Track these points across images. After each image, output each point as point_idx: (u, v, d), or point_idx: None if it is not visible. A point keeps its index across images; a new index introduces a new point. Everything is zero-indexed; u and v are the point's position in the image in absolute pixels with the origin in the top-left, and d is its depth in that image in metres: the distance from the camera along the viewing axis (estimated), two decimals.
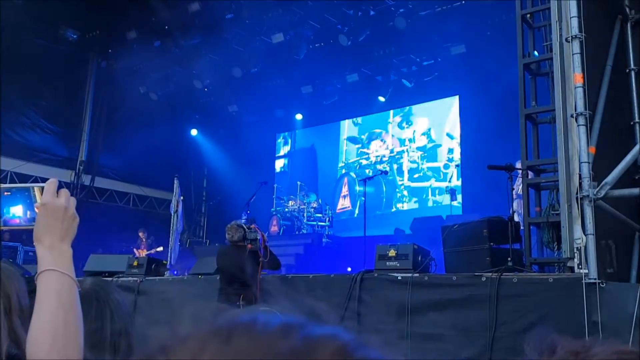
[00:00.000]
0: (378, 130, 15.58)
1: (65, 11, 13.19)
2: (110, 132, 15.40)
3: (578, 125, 4.96)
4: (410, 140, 14.74)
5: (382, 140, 15.40)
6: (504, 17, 10.86)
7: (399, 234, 12.09)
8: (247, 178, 14.76)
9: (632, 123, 6.34)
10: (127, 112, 15.14)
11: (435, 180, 14.03)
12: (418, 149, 14.58)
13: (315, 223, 13.35)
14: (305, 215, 13.37)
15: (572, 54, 5.03)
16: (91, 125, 15.51)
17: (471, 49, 12.49)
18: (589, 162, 4.89)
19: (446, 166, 13.93)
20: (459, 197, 12.97)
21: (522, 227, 6.30)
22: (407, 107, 15.02)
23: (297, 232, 13.21)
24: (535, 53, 6.71)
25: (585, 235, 4.76)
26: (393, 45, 13.38)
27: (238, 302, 6.01)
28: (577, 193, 4.88)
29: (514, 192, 6.83)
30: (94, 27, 14.43)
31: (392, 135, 15.24)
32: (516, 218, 6.65)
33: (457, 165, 13.14)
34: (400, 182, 14.64)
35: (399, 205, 14.60)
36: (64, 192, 1.38)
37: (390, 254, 6.36)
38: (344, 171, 15.82)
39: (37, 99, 14.27)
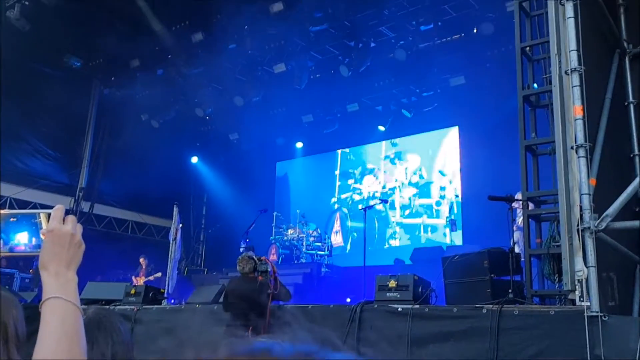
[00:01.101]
0: (371, 166, 15.75)
1: (69, 39, 13.35)
2: (111, 159, 15.46)
3: (578, 157, 4.96)
4: (403, 177, 14.98)
5: (374, 176, 15.58)
6: (503, 50, 11.01)
7: (398, 265, 12.03)
8: (247, 206, 14.76)
9: (632, 155, 6.36)
10: (128, 139, 15.21)
11: (428, 217, 14.15)
12: (410, 184, 14.73)
13: (314, 252, 13.27)
14: (304, 244, 13.31)
15: (572, 87, 5.06)
16: (92, 152, 15.57)
17: (470, 81, 12.62)
18: (589, 194, 4.88)
19: (438, 203, 14.08)
20: (456, 219, 13.00)
21: (522, 259, 6.27)
22: (399, 144, 15.28)
23: (295, 261, 13.11)
24: (535, 85, 6.76)
25: (587, 267, 4.72)
26: (393, 76, 13.53)
27: (247, 333, 6.01)
28: (578, 225, 4.86)
29: (514, 223, 6.82)
30: (98, 54, 14.58)
31: (385, 172, 15.41)
32: (517, 249, 6.62)
33: (456, 196, 13.14)
34: (392, 219, 14.75)
35: (392, 242, 14.69)
36: (71, 218, 1.38)
37: (390, 285, 6.32)
38: (336, 206, 15.88)
39: (39, 125, 14.34)
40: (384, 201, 12.37)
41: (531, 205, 6.45)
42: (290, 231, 13.70)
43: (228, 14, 11.74)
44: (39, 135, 14.41)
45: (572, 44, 5.10)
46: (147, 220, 16.38)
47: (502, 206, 6.63)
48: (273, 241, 13.71)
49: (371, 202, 14.40)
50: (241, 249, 10.92)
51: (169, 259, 9.54)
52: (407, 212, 14.37)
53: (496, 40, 11.16)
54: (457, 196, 13.10)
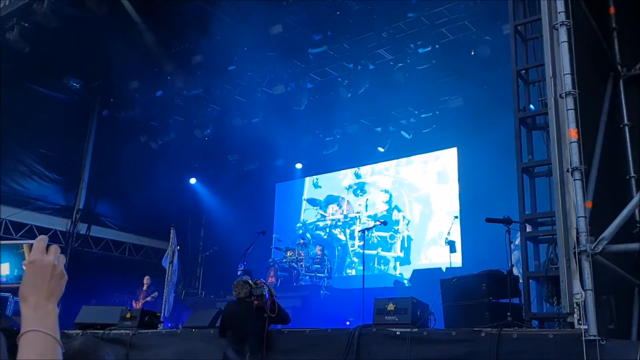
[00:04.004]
0: (336, 194, 16.19)
1: (68, 60, 13.43)
2: (109, 180, 15.41)
3: (574, 180, 4.94)
4: (364, 208, 15.54)
5: (338, 205, 16.02)
6: (500, 72, 11.06)
7: (398, 287, 11.97)
8: (245, 228, 14.69)
9: (628, 177, 6.35)
10: (126, 161, 15.24)
11: (382, 250, 14.56)
12: (369, 217, 15.14)
13: (313, 274, 13.18)
14: (303, 266, 13.23)
15: (567, 110, 5.07)
16: (90, 174, 15.53)
17: (469, 102, 12.68)
18: (585, 217, 4.85)
19: (392, 237, 14.53)
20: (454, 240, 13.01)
21: (521, 281, 6.22)
22: (360, 177, 15.98)
23: (294, 284, 13.03)
24: (532, 107, 6.78)
25: (584, 290, 4.69)
26: (392, 98, 13.59)
27: (244, 359, 6.01)
28: (574, 247, 4.83)
29: (512, 245, 6.78)
30: (97, 76, 14.66)
31: (348, 202, 15.88)
32: (515, 271, 6.58)
33: (455, 217, 13.09)
34: (351, 248, 15.20)
35: (349, 271, 15.09)
36: (54, 249, 1.36)
37: (388, 308, 6.27)
38: (301, 231, 16.10)
39: (37, 147, 14.33)
40: (383, 223, 12.34)
41: (529, 227, 6.42)
42: (289, 253, 13.64)
43: (227, 35, 11.84)
44: (36, 156, 14.38)
45: (566, 68, 5.12)
46: (145, 242, 16.29)
47: (500, 227, 6.60)
48: (272, 263, 13.64)
49: (371, 224, 14.55)
50: (239, 272, 10.85)
51: (166, 282, 9.46)
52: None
53: (493, 62, 11.23)
54: (456, 217, 13.05)
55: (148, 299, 12.53)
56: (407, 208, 14.91)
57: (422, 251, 14.34)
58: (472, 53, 11.34)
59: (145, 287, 12.95)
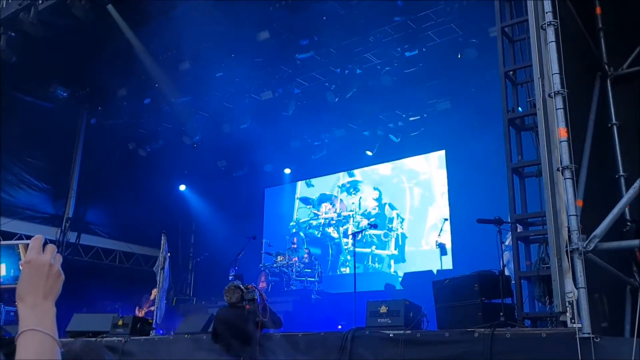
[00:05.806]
0: (329, 193, 16.21)
1: (55, 69, 13.34)
2: (98, 188, 15.35)
3: (564, 179, 4.98)
4: (357, 206, 15.52)
5: (331, 204, 16.03)
6: (487, 74, 11.15)
7: (389, 290, 11.98)
8: (236, 233, 14.66)
9: (617, 176, 6.41)
10: (115, 169, 15.17)
11: (376, 248, 14.56)
12: (363, 215, 15.14)
13: (304, 279, 13.17)
14: (294, 270, 13.21)
15: (556, 109, 5.11)
16: (79, 182, 15.43)
17: (456, 105, 12.76)
18: (577, 215, 4.89)
19: (386, 235, 14.56)
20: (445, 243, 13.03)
21: (513, 281, 6.25)
22: (354, 175, 15.96)
23: (285, 289, 13.01)
24: (520, 108, 6.83)
25: (577, 288, 4.71)
26: (379, 102, 13.65)
27: None
28: (566, 246, 4.86)
29: (503, 246, 6.81)
30: (85, 84, 14.57)
31: (341, 200, 15.90)
32: (507, 272, 6.61)
33: (445, 219, 13.14)
34: (345, 247, 15.17)
35: (343, 270, 15.08)
36: (50, 248, 1.35)
37: (381, 311, 6.29)
38: (294, 230, 16.11)
39: (25, 156, 14.23)
40: (372, 226, 12.38)
41: (519, 227, 6.46)
42: (279, 258, 13.61)
43: (215, 42, 11.82)
44: (24, 165, 14.26)
45: (555, 68, 5.17)
46: (135, 249, 16.19)
47: (491, 228, 6.63)
48: (262, 268, 13.61)
49: (365, 222, 14.63)
50: (230, 277, 10.81)
51: (157, 289, 9.42)
52: (358, 239, 14.60)
53: (480, 65, 11.30)
54: (445, 219, 13.09)
55: (152, 308, 12.43)
56: (407, 194, 14.78)
57: (424, 237, 14.24)
58: (459, 56, 11.40)
59: (152, 297, 12.82)
